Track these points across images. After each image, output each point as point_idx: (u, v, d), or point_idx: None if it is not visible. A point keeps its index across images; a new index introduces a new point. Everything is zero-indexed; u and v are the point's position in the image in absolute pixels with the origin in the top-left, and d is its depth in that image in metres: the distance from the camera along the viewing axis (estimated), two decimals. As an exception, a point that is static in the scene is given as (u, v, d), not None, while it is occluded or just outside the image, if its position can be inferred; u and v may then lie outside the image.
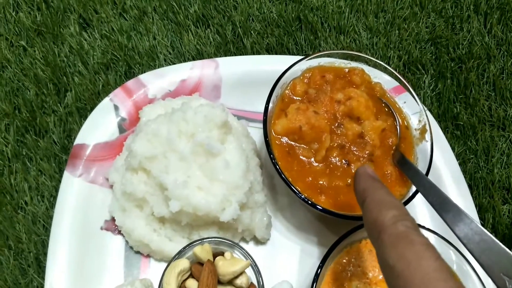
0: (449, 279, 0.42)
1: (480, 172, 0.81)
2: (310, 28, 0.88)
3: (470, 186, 0.79)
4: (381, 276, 0.65)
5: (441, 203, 0.64)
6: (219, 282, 0.64)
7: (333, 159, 0.70)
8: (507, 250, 0.58)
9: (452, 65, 0.89)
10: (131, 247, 0.71)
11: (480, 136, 0.83)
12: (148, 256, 0.71)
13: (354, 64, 0.77)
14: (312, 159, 0.70)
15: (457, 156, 0.80)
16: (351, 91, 0.74)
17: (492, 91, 0.87)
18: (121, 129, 0.76)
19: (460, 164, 0.78)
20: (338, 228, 0.69)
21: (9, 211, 0.72)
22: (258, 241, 0.73)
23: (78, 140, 0.73)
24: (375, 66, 0.77)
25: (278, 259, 0.72)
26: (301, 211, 0.76)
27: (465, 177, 0.78)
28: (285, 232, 0.75)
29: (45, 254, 0.70)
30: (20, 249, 0.70)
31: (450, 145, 0.79)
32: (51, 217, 0.72)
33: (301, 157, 0.70)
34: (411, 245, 0.45)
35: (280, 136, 0.71)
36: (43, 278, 0.68)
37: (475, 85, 0.87)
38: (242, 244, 0.71)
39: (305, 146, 0.71)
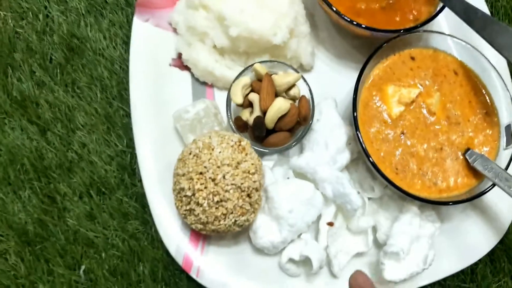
0: None
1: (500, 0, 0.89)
2: None
3: (491, 13, 0.87)
4: (411, 81, 0.77)
5: (466, 11, 0.74)
6: (275, 94, 0.76)
7: (369, -15, 0.79)
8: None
9: None
10: (197, 80, 0.83)
11: (503, -33, 0.90)
12: (212, 86, 0.83)
13: None
14: (350, -13, 0.79)
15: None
16: None
17: None
18: (178, -22, 0.85)
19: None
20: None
21: (91, 56, 0.84)
22: (304, 69, 0.84)
23: (142, -10, 0.83)
24: None
25: (322, 84, 0.83)
26: (340, 43, 0.86)
27: (486, 4, 0.86)
28: (327, 61, 0.86)
29: (125, 89, 0.83)
30: (104, 85, 0.83)
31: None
32: (125, 60, 0.84)
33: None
34: None
35: (319, -31, 0.79)
36: (127, 107, 0.81)
37: None
38: (291, 71, 0.82)
39: (341, -26, 0.79)
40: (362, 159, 0.78)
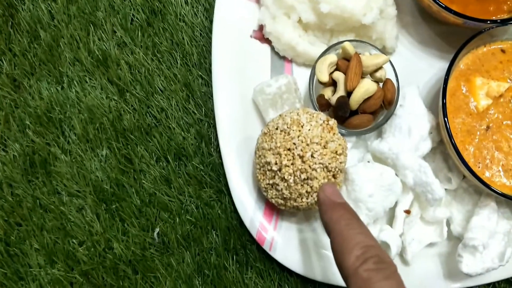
0: None
1: None
2: None
3: None
4: (501, 75, 0.75)
5: None
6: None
7: (464, -28, 0.77)
8: None
9: None
10: (276, 53, 0.82)
11: None
12: (290, 61, 0.82)
13: None
14: (445, -29, 0.77)
15: None
16: None
17: None
18: None
19: None
20: (458, 43, 0.74)
21: (172, 20, 0.83)
22: (387, 52, 0.82)
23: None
24: None
25: (403, 68, 0.81)
26: (424, 28, 0.84)
27: None
28: (409, 46, 0.84)
29: (205, 57, 0.83)
30: (185, 51, 0.82)
31: None
32: (206, 28, 0.83)
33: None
34: None
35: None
36: (205, 74, 0.81)
37: None
38: (374, 52, 0.81)
39: (438, -42, 0.77)
40: (439, 148, 0.77)
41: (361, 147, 0.77)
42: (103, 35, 0.83)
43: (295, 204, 0.67)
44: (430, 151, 0.76)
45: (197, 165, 0.78)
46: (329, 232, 0.54)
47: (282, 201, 0.68)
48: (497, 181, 0.71)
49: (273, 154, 0.66)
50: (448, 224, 0.74)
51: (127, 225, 0.76)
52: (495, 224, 0.71)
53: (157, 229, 0.76)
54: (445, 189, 0.75)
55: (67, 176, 0.77)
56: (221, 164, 0.75)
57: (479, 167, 0.71)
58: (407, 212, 0.72)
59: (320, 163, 0.64)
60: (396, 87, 0.75)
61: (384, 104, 0.74)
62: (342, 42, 0.75)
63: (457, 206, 0.75)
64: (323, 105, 0.75)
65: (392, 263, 0.49)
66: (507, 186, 0.71)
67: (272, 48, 0.82)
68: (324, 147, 0.65)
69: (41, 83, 0.81)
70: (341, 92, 0.73)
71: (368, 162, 0.73)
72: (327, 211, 0.56)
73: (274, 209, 0.74)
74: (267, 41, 0.82)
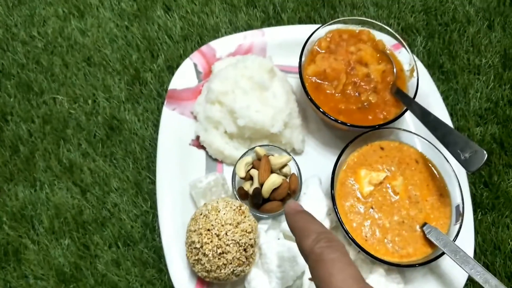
0: (355, 284, 0.54)
1: (459, 104, 1.11)
2: (331, 5, 1.20)
3: (451, 114, 1.08)
4: (380, 167, 0.96)
5: (423, 115, 0.95)
6: (271, 171, 0.95)
7: (348, 91, 1.01)
8: (463, 136, 0.88)
9: (439, 28, 1.18)
10: (210, 156, 1.03)
11: (460, 79, 1.13)
12: (221, 162, 1.03)
13: (363, 27, 1.07)
14: (333, 92, 1.01)
15: (441, 93, 1.09)
16: (361, 45, 1.05)
17: (470, 46, 1.16)
18: (199, 79, 1.09)
19: (443, 99, 1.08)
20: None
21: (127, 134, 1.05)
22: (296, 153, 1.04)
23: (170, 86, 1.06)
24: (380, 29, 1.07)
25: (310, 165, 1.03)
26: (325, 133, 1.07)
27: (446, 107, 1.07)
28: (314, 147, 1.05)
29: (152, 161, 1.03)
30: (136, 157, 1.03)
31: (436, 86, 1.09)
32: (154, 139, 1.05)
33: (325, 90, 1.01)
34: (323, 264, 0.57)
35: (310, 77, 1.02)
36: (153, 176, 1.01)
37: (457, 42, 1.16)
38: (286, 152, 1.02)
39: (328, 83, 1.02)
40: (340, 227, 0.95)
41: (277, 228, 0.95)
42: (71, 147, 1.04)
43: (215, 275, 0.83)
44: (332, 229, 0.95)
45: (142, 249, 0.95)
46: (292, 230, 0.67)
47: (206, 273, 0.84)
48: (381, 251, 0.89)
49: (197, 235, 0.84)
50: (348, 289, 0.90)
51: (82, 302, 0.91)
52: (383, 287, 0.87)
53: (107, 305, 0.91)
54: (345, 261, 0.93)
55: (34, 262, 0.93)
56: (162, 247, 0.92)
57: (366, 240, 0.89)
58: (312, 279, 0.88)
59: (232, 240, 0.82)
60: (299, 179, 0.95)
61: (290, 193, 0.94)
62: (255, 147, 0.97)
63: (356, 274, 0.91)
64: (242, 195, 0.94)
65: (339, 242, 0.61)
66: (389, 254, 0.89)
67: (207, 153, 1.04)
68: (236, 227, 0.84)
69: (18, 187, 1.00)
70: (255, 184, 0.93)
71: (279, 239, 0.91)
72: (291, 216, 0.69)
73: (204, 283, 0.89)
74: (203, 147, 1.04)
